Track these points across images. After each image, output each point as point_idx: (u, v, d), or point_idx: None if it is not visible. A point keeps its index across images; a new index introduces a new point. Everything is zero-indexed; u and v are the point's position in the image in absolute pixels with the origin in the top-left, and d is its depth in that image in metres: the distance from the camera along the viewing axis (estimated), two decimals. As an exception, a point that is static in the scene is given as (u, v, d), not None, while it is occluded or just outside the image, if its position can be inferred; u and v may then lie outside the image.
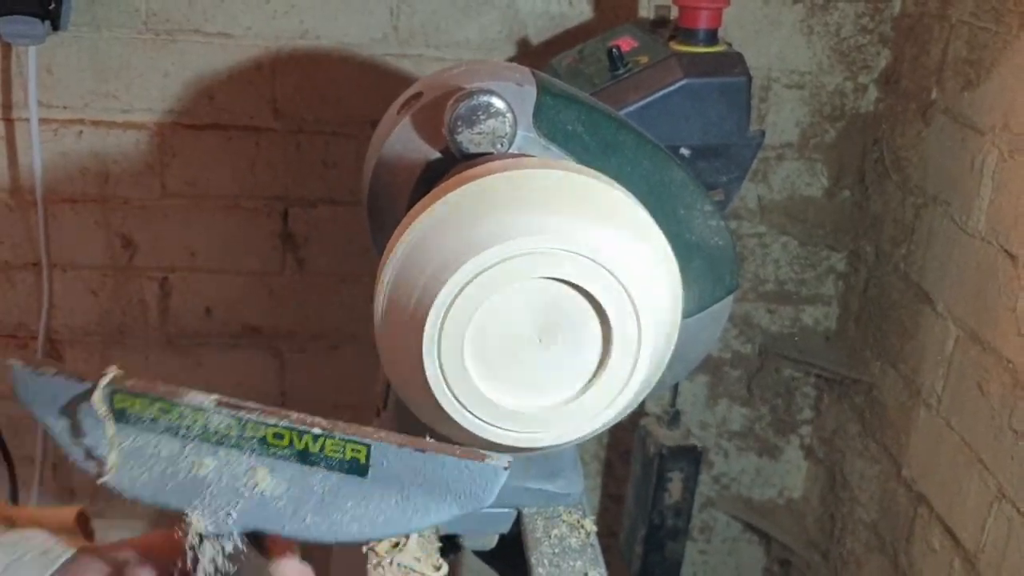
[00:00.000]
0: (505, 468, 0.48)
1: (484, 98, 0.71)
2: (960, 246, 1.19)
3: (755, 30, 1.34)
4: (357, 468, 0.48)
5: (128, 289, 1.42)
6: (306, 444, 0.48)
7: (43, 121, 1.30)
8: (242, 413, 0.49)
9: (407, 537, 0.79)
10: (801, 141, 1.42)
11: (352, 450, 0.48)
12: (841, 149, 1.43)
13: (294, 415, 0.49)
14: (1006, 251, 1.08)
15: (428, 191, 0.66)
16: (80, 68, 1.29)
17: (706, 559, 1.68)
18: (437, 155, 0.76)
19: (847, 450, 1.50)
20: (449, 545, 0.87)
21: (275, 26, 1.29)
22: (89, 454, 0.50)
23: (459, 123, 0.71)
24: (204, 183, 1.36)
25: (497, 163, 0.65)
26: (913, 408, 1.30)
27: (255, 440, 0.48)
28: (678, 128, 0.93)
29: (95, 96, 1.31)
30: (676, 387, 1.45)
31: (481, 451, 0.48)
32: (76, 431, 0.50)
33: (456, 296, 0.57)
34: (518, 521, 0.85)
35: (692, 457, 1.39)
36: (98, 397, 0.49)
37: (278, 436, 0.48)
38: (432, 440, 0.49)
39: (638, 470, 1.44)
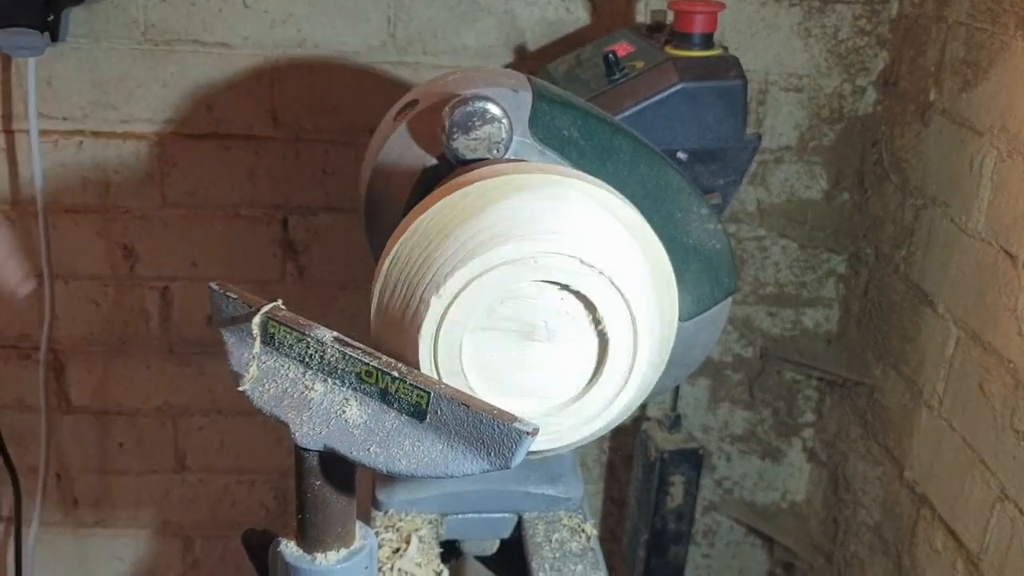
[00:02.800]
0: (528, 433, 0.51)
1: (480, 104, 0.71)
2: (960, 247, 1.19)
3: (752, 33, 1.34)
4: (419, 412, 0.54)
5: (130, 299, 1.43)
6: (386, 384, 0.55)
7: (43, 132, 1.31)
8: (348, 350, 0.56)
9: (407, 543, 0.80)
10: (800, 144, 1.42)
11: (417, 395, 0.54)
12: (840, 151, 1.43)
13: (384, 358, 0.56)
14: (1006, 251, 1.08)
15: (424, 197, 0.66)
16: (79, 79, 1.30)
17: (709, 563, 1.68)
18: (433, 161, 0.76)
19: (849, 452, 1.49)
20: (450, 551, 0.87)
21: (273, 35, 1.29)
22: (239, 364, 0.59)
23: (455, 129, 0.71)
24: (204, 192, 1.37)
25: (492, 168, 0.65)
26: (915, 410, 1.30)
27: (353, 375, 0.56)
28: (674, 132, 0.93)
29: (95, 107, 1.31)
30: (677, 390, 1.45)
31: (513, 415, 0.52)
32: (236, 344, 0.60)
33: (452, 301, 0.58)
34: (519, 526, 0.86)
35: (693, 461, 1.39)
36: (255, 320, 0.58)
37: (369, 373, 0.55)
38: (478, 398, 0.54)
39: (640, 474, 1.44)
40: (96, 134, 1.33)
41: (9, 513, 1.45)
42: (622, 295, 0.57)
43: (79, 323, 1.44)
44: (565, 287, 0.58)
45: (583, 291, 0.57)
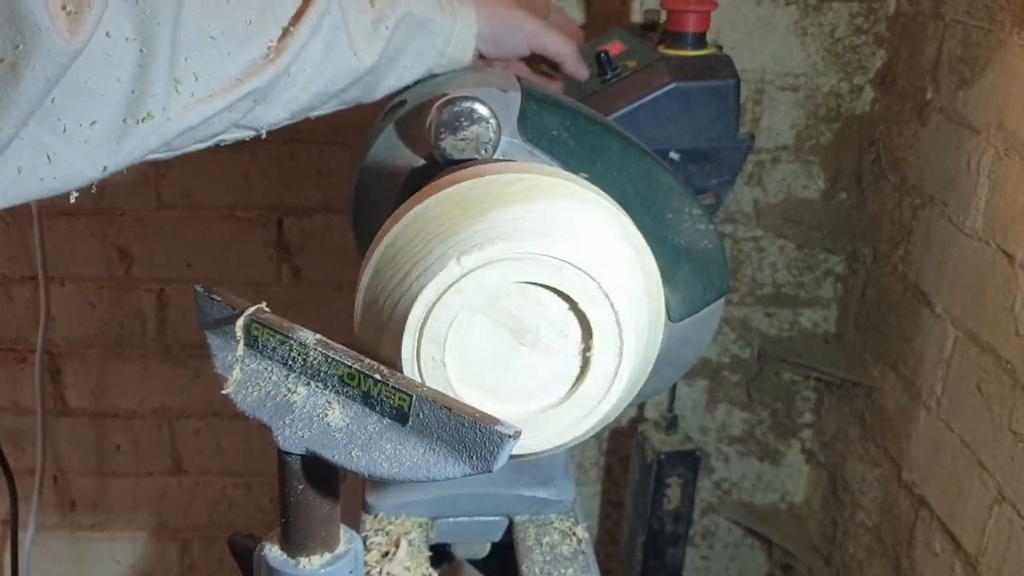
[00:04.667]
0: (510, 437, 0.50)
1: (467, 104, 0.71)
2: (958, 246, 1.18)
3: (748, 32, 1.34)
4: (401, 416, 0.53)
5: (125, 301, 1.43)
6: (369, 387, 0.54)
7: (37, 134, 1.31)
8: (331, 352, 0.55)
9: (397, 547, 0.79)
10: (796, 143, 1.41)
11: (400, 398, 0.53)
12: (837, 150, 1.42)
13: (366, 360, 0.55)
14: (1003, 251, 1.08)
15: (411, 198, 0.66)
16: (74, 81, 1.29)
17: (708, 565, 1.67)
18: (421, 162, 0.75)
19: (848, 454, 1.49)
20: (441, 554, 0.87)
21: (267, 36, 1.29)
22: (223, 367, 0.59)
23: (442, 130, 0.71)
24: (199, 194, 1.37)
25: (479, 168, 0.65)
26: (913, 410, 1.29)
27: (336, 377, 0.55)
28: (667, 132, 0.92)
29: (89, 109, 1.31)
30: (673, 392, 1.44)
31: (495, 418, 0.51)
32: (221, 347, 0.60)
33: (435, 302, 0.57)
34: (510, 529, 0.85)
35: (690, 462, 1.38)
36: (239, 323, 0.58)
37: (351, 376, 0.55)
38: (460, 401, 0.54)
39: (637, 476, 1.44)
40: (90, 136, 1.33)
41: (5, 516, 1.45)
42: (608, 298, 0.57)
43: (75, 325, 1.44)
44: (550, 288, 0.57)
45: (569, 293, 0.57)
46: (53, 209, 1.35)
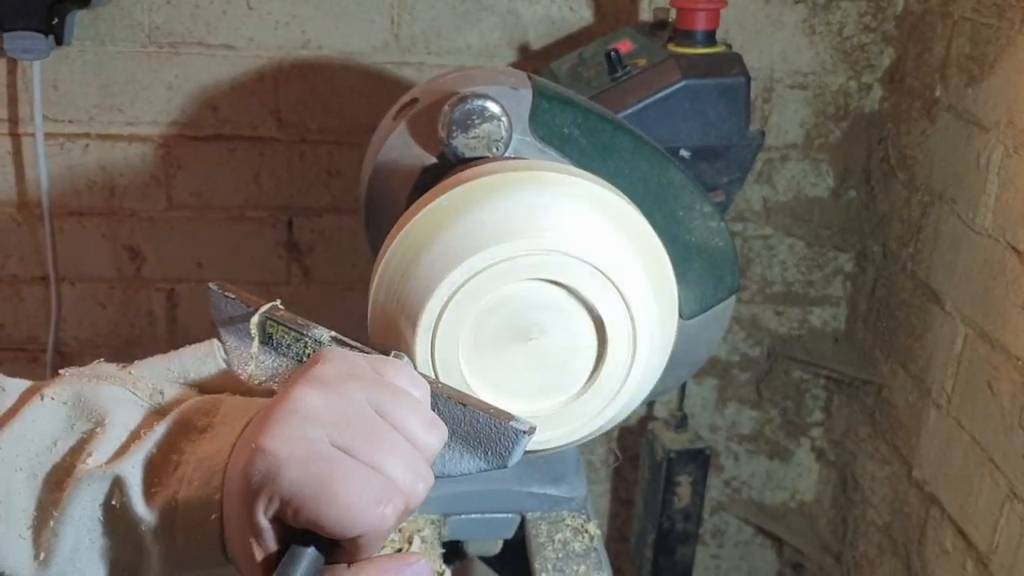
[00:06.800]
0: (525, 432, 0.51)
1: (479, 102, 0.71)
2: (967, 244, 1.18)
3: (757, 31, 1.34)
4: None
5: (136, 301, 1.43)
6: None
7: (49, 135, 1.31)
8: (345, 349, 0.55)
9: (409, 543, 0.80)
10: (805, 142, 1.41)
11: None
12: (846, 149, 1.42)
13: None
14: (1013, 247, 1.07)
15: (424, 196, 0.66)
16: (85, 82, 1.30)
17: (718, 563, 1.67)
18: (433, 160, 0.76)
19: (858, 452, 1.48)
20: (454, 551, 0.87)
21: (277, 37, 1.30)
22: (238, 364, 0.60)
23: (454, 128, 0.71)
24: (209, 194, 1.37)
25: (491, 166, 0.65)
26: (923, 408, 1.29)
27: None
28: (677, 130, 0.93)
29: (100, 110, 1.32)
30: (683, 390, 1.44)
31: (510, 414, 0.52)
32: (236, 344, 0.60)
33: (450, 300, 0.57)
34: (522, 526, 0.85)
35: (700, 460, 1.38)
36: (254, 320, 0.58)
37: None
38: (475, 398, 0.54)
39: (647, 474, 1.44)
40: (102, 136, 1.33)
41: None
42: (622, 296, 0.57)
43: (86, 325, 1.44)
44: (564, 286, 0.58)
45: (583, 291, 0.57)
46: (64, 209, 1.36)
